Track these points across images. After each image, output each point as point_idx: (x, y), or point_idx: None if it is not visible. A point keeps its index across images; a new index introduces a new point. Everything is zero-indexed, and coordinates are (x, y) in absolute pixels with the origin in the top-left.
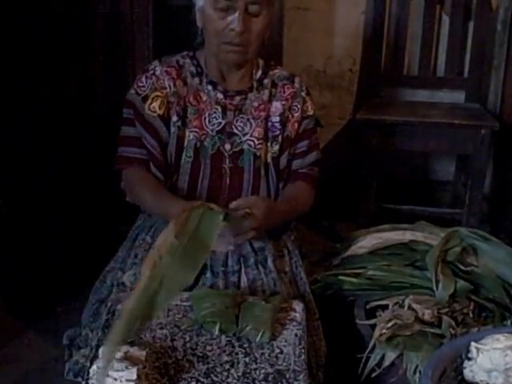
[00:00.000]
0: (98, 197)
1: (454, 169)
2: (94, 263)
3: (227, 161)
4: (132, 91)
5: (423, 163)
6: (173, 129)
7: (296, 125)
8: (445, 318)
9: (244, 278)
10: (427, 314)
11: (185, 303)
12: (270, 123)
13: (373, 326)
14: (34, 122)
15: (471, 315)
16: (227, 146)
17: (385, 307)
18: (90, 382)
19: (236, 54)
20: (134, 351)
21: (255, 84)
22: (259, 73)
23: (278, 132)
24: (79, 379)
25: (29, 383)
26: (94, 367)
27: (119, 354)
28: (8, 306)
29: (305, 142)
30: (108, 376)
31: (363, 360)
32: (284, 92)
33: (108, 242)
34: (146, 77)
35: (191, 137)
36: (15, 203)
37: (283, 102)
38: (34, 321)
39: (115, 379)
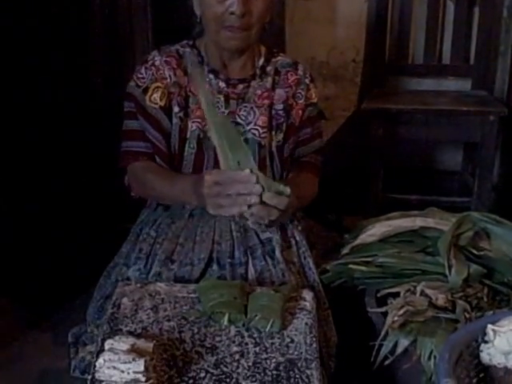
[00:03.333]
0: (99, 194)
1: (461, 159)
2: (97, 261)
3: None
4: (132, 83)
5: (430, 153)
6: (175, 120)
7: (300, 112)
8: (459, 302)
9: (251, 270)
10: (441, 299)
11: (192, 295)
12: (273, 111)
13: (384, 314)
14: (31, 116)
15: (485, 299)
16: None
17: (396, 295)
18: (97, 375)
19: (237, 39)
20: (141, 343)
21: (258, 72)
22: (261, 60)
23: (282, 120)
24: (86, 376)
25: (34, 382)
26: (101, 360)
27: (125, 347)
28: (12, 305)
29: (308, 130)
30: (115, 368)
31: (375, 348)
32: (288, 79)
33: (110, 239)
34: (146, 68)
35: (194, 127)
36: (14, 202)
37: (287, 90)
38: (38, 319)
39: (122, 371)
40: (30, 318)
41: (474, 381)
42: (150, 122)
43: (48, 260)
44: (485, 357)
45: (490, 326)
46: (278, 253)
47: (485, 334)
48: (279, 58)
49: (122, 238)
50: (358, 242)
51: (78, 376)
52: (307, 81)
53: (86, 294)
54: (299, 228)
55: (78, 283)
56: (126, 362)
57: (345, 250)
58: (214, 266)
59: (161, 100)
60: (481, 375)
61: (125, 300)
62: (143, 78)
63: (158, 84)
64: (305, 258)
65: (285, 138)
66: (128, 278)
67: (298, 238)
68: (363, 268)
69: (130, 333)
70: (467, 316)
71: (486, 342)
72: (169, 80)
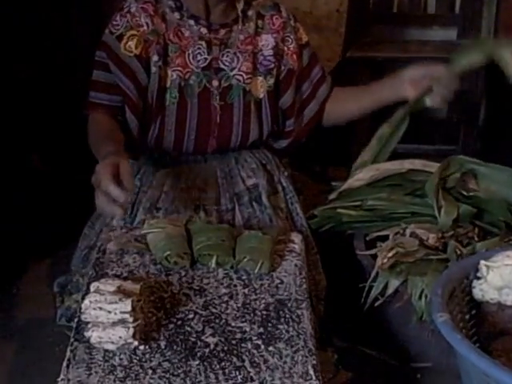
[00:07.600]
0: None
1: (446, 107)
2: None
3: (216, 98)
4: (106, 31)
5: None
6: (153, 69)
7: (295, 56)
8: (450, 241)
9: (239, 217)
10: (431, 238)
11: None
12: (261, 57)
13: (374, 257)
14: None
15: (476, 239)
16: (215, 83)
17: (385, 238)
18: (83, 316)
19: None
20: (128, 285)
21: (240, 16)
22: (241, 4)
23: (273, 65)
24: (72, 324)
25: (21, 330)
26: (86, 302)
27: (112, 288)
28: None
29: (317, 68)
30: (101, 309)
31: (366, 290)
32: (273, 24)
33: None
34: (121, 15)
35: (174, 76)
36: None
37: (274, 35)
38: (24, 270)
39: (109, 312)
40: (17, 270)
41: (467, 317)
42: (124, 71)
43: (34, 212)
44: (477, 293)
45: (482, 262)
46: (264, 198)
47: (477, 270)
48: (260, 0)
49: None
50: (345, 186)
51: (64, 324)
52: (292, 22)
53: (72, 246)
54: (285, 174)
55: (62, 234)
56: (112, 303)
57: (332, 196)
58: (201, 213)
59: (136, 48)
60: (473, 312)
61: (110, 245)
62: (117, 25)
63: (134, 32)
64: (292, 204)
65: (277, 85)
66: (112, 226)
67: (284, 184)
68: (352, 212)
69: (117, 276)
70: (458, 253)
71: (478, 278)
72: (146, 28)
